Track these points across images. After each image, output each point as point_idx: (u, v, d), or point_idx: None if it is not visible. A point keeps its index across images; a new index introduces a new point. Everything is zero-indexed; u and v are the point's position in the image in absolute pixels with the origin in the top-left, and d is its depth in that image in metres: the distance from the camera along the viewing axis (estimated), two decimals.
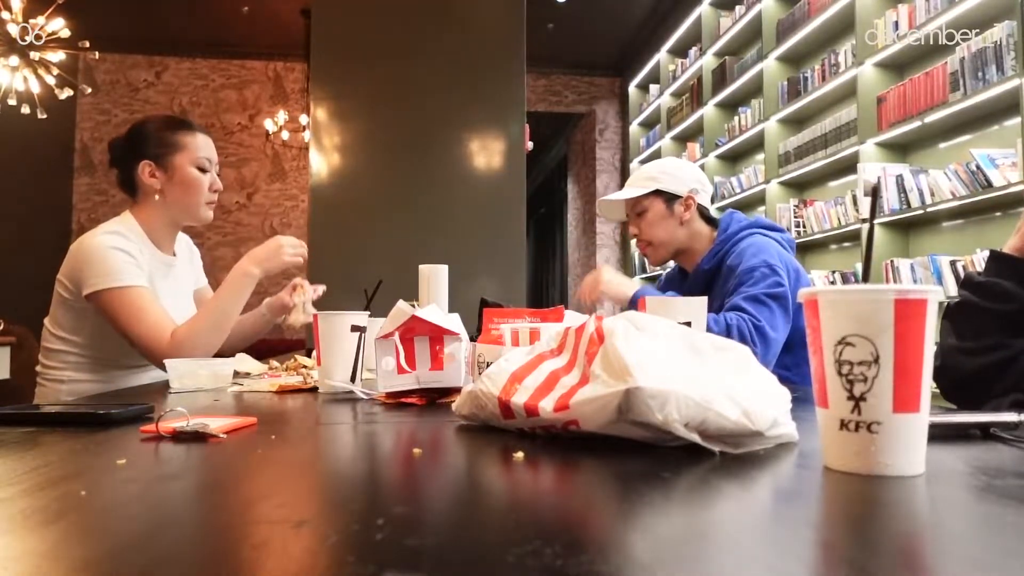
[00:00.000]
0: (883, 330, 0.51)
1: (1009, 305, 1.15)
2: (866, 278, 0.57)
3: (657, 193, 1.82)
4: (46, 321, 1.63)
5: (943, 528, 0.43)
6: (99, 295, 1.50)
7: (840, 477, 0.53)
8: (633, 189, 1.84)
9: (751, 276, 1.65)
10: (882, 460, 0.52)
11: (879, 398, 0.51)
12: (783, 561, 0.36)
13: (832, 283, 4.14)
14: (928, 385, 0.53)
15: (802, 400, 0.79)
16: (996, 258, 1.20)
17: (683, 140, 6.33)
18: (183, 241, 1.84)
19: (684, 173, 1.84)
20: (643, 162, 7.07)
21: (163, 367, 1.46)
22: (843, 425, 0.53)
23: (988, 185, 3.05)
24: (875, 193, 0.63)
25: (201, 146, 1.69)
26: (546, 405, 0.66)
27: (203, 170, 1.68)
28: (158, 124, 1.69)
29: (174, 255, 1.76)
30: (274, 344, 4.73)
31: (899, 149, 3.75)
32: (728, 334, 1.55)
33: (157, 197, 1.66)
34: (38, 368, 1.63)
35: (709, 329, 1.54)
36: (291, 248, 1.62)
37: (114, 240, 1.55)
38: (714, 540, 0.40)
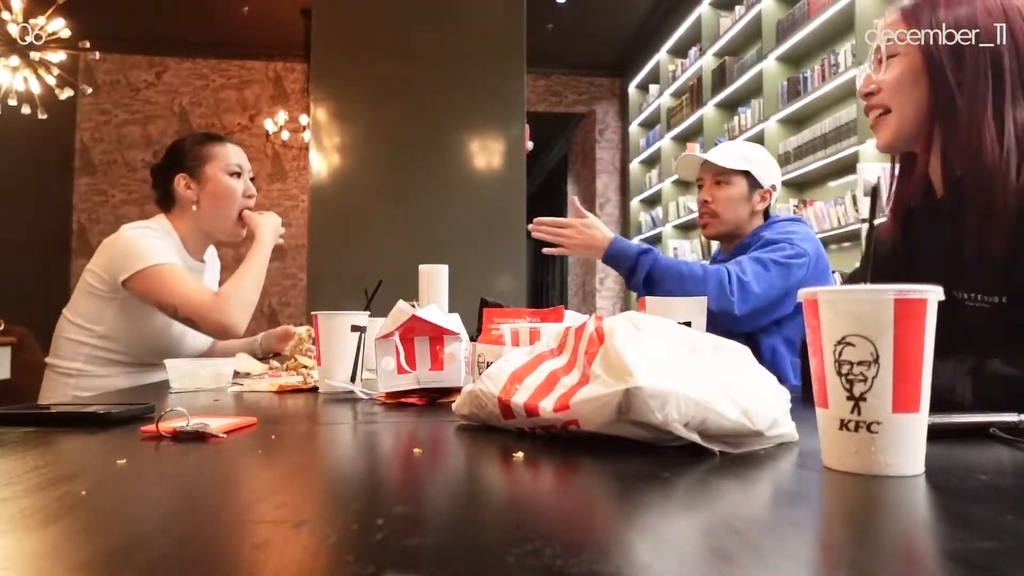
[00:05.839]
0: (883, 330, 0.51)
1: None
2: (866, 278, 0.57)
3: (745, 174, 1.83)
4: (65, 310, 1.65)
5: (943, 528, 0.43)
6: (135, 277, 1.55)
7: (840, 477, 0.53)
8: (729, 159, 1.83)
9: (770, 244, 1.67)
10: (882, 460, 0.52)
11: (879, 398, 0.51)
12: (783, 561, 0.36)
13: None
14: (928, 385, 0.53)
15: (802, 400, 0.79)
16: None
17: (683, 140, 6.33)
18: (210, 250, 1.89)
19: (772, 168, 1.87)
20: (643, 162, 7.08)
21: (212, 329, 1.60)
22: (843, 425, 0.53)
23: None
24: (875, 193, 0.63)
25: (231, 153, 1.76)
26: (546, 405, 0.66)
27: (235, 175, 1.75)
28: (192, 139, 1.78)
29: (203, 262, 1.82)
30: None
31: None
32: (704, 275, 1.56)
33: (194, 208, 1.72)
34: (48, 359, 1.65)
35: (693, 272, 1.57)
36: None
37: (147, 232, 1.64)
38: (714, 540, 0.40)
